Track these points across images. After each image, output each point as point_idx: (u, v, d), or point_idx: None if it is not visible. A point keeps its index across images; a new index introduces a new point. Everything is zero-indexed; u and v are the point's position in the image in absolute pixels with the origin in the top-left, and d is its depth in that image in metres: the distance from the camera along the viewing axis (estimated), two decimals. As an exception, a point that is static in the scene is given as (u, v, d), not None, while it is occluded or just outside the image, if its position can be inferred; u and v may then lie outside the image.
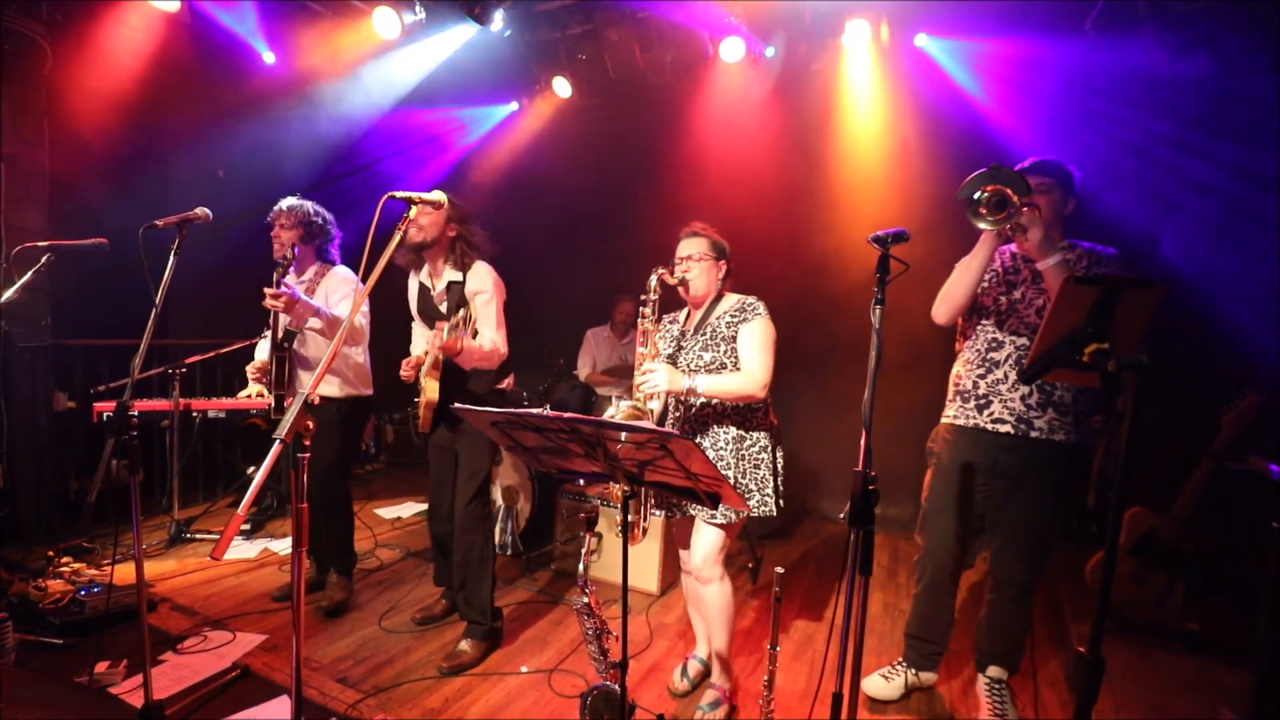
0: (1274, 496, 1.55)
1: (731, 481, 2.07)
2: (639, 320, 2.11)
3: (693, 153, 4.86)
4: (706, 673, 2.43)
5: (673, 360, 2.17)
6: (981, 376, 2.16)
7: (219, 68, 4.42)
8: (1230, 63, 3.30)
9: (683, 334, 2.23)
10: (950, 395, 2.28)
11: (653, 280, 2.12)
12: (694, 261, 2.16)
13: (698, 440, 2.12)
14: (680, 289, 2.15)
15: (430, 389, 2.50)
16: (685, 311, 2.28)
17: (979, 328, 2.18)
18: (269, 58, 4.53)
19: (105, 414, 3.04)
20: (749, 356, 2.07)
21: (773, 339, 2.11)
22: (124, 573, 3.07)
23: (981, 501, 2.19)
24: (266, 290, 2.53)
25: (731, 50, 4.36)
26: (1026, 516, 2.12)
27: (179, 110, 4.39)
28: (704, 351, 2.12)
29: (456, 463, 2.61)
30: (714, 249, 2.19)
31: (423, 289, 2.63)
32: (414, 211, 1.76)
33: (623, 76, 4.76)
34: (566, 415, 1.32)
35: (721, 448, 2.11)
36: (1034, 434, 2.07)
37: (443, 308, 2.54)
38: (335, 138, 5.14)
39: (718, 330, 2.13)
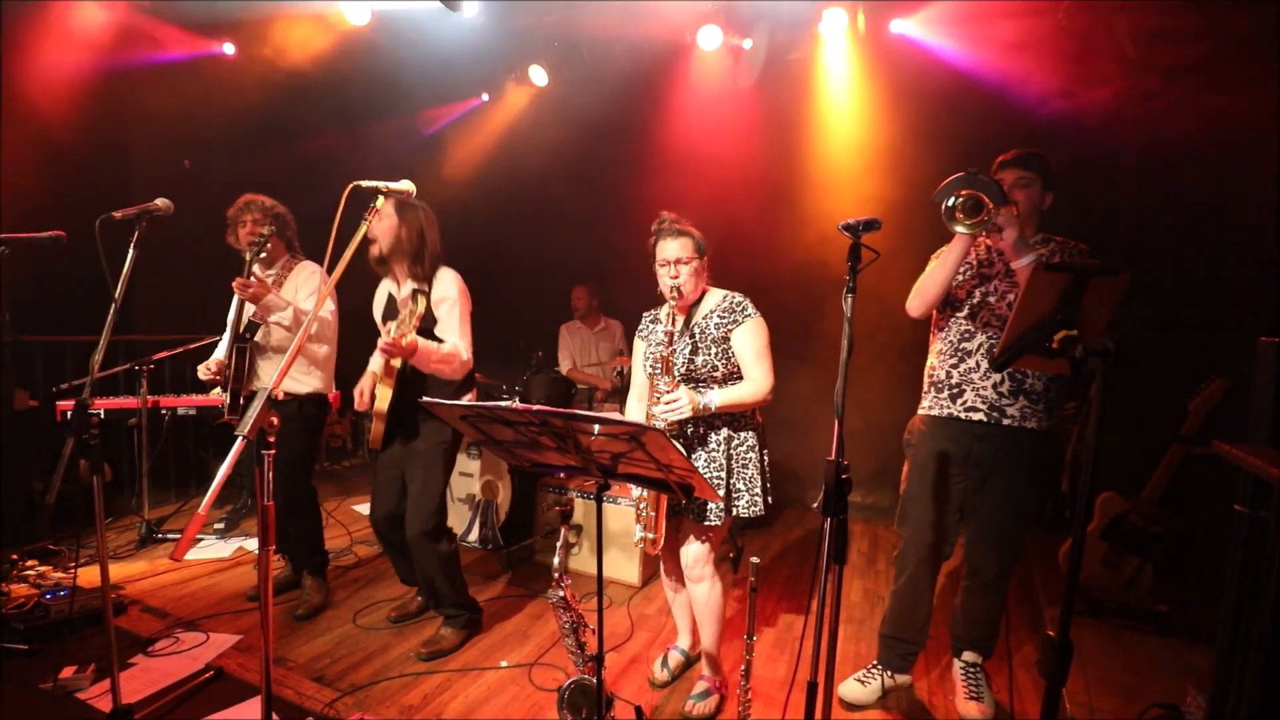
0: (1236, 480, 1.58)
1: (724, 484, 2.05)
2: (662, 349, 2.01)
3: (671, 142, 4.82)
4: (687, 663, 2.44)
5: (667, 366, 2.04)
6: (954, 366, 2.15)
7: (180, 55, 4.30)
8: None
9: (669, 336, 2.08)
10: (925, 387, 2.28)
11: (664, 311, 2.03)
12: (684, 265, 2.05)
13: (691, 443, 2.09)
14: (672, 296, 2.05)
15: (381, 397, 2.41)
16: (665, 310, 2.14)
17: (952, 319, 2.17)
18: (228, 48, 4.42)
19: (68, 412, 2.96)
20: (750, 364, 2.05)
21: (768, 338, 2.09)
22: (90, 575, 3.00)
23: (959, 491, 2.19)
24: (237, 280, 2.49)
25: (709, 39, 4.32)
26: (1000, 505, 2.13)
27: (140, 99, 4.27)
28: (694, 355, 2.07)
29: (404, 482, 2.53)
30: (698, 247, 2.10)
31: (390, 297, 2.57)
32: (380, 202, 1.73)
33: (599, 64, 4.70)
34: (535, 408, 1.30)
35: (714, 449, 2.08)
36: (1006, 421, 2.07)
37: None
38: (304, 128, 5.03)
39: (707, 331, 2.08)
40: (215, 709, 2.12)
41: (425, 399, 1.48)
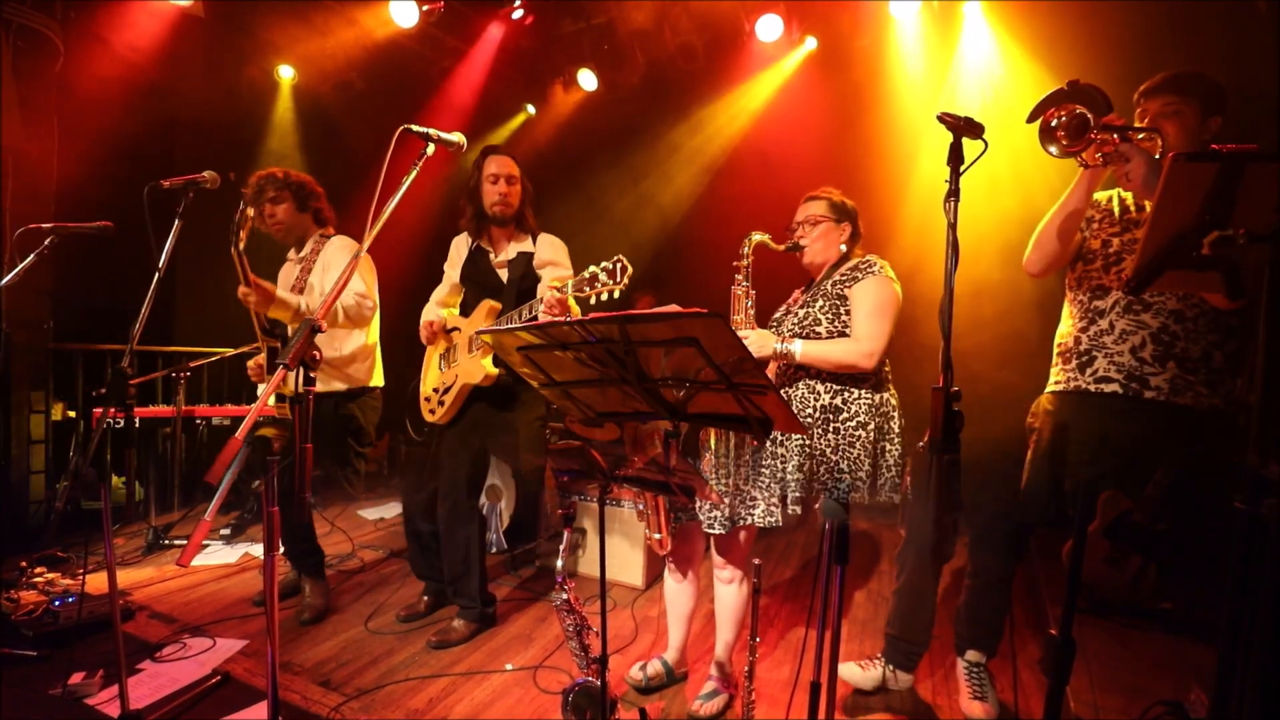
0: (1239, 477, 1.57)
1: (819, 453, 1.89)
2: (733, 286, 1.95)
3: (731, 139, 4.75)
4: (666, 676, 2.35)
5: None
6: (1084, 329, 1.82)
7: (232, 67, 4.38)
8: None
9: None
10: (1053, 360, 1.97)
11: (748, 243, 1.97)
12: (809, 225, 2.01)
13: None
14: (798, 255, 2.01)
15: (485, 363, 2.37)
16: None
17: (1084, 274, 1.83)
18: (285, 71, 4.47)
19: (103, 421, 2.96)
20: (858, 321, 1.88)
21: (889, 300, 1.89)
22: (99, 581, 3.01)
23: (1091, 482, 1.90)
24: (239, 290, 2.40)
25: (768, 29, 4.06)
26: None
27: (190, 108, 4.32)
28: (801, 309, 1.98)
29: (473, 456, 2.56)
30: (834, 210, 2.03)
31: (477, 252, 2.51)
32: (431, 149, 1.63)
33: (652, 64, 4.57)
34: (589, 317, 1.19)
35: (808, 415, 1.92)
36: (1149, 394, 1.68)
37: (502, 275, 2.44)
38: (350, 139, 5.02)
39: (824, 289, 1.98)
40: (223, 714, 2.13)
41: (482, 328, 1.41)
